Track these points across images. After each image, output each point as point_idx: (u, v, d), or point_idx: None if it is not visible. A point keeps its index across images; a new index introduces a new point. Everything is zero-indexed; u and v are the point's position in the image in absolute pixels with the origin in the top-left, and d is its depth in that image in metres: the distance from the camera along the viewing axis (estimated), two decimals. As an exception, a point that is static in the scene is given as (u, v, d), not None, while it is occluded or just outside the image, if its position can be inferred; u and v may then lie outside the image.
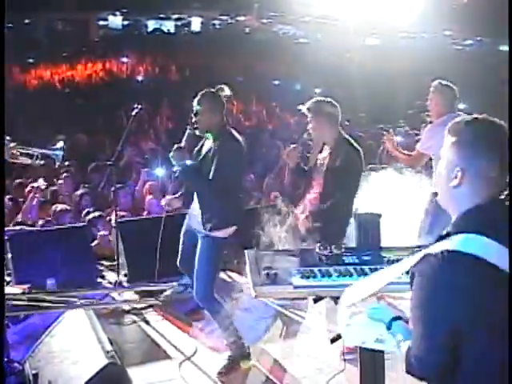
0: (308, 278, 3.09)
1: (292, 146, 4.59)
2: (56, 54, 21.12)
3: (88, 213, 6.93)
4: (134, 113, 5.58)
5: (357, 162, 4.25)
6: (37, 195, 6.90)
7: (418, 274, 1.86)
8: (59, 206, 6.98)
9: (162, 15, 29.16)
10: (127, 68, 20.90)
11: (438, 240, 1.88)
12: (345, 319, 2.28)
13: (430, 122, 5.24)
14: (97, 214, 6.83)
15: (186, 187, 4.53)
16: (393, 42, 22.77)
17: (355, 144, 4.34)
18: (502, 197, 1.91)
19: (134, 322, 5.12)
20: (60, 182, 8.06)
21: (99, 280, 5.89)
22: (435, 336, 1.82)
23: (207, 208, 4.18)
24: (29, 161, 5.19)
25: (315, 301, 3.30)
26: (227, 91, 4.33)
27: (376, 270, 2.64)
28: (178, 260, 4.48)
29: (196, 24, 29.51)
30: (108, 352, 3.60)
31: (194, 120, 4.21)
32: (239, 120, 12.84)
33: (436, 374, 1.86)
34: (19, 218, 6.71)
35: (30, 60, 20.34)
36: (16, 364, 3.99)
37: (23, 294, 5.14)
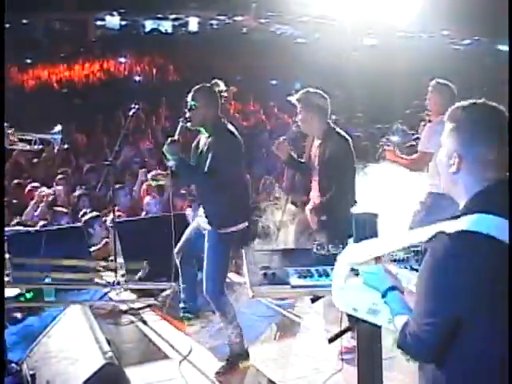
0: (305, 277, 3.09)
1: (281, 138, 4.55)
2: (54, 54, 21.09)
3: (85, 213, 6.91)
4: (131, 113, 5.56)
5: (347, 151, 4.23)
6: (42, 204, 6.80)
7: (430, 252, 1.82)
8: (57, 209, 6.94)
9: (159, 15, 29.16)
10: (125, 68, 20.86)
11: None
12: (340, 281, 2.22)
13: (429, 121, 5.24)
14: (94, 214, 6.81)
15: (181, 181, 4.55)
16: (391, 42, 22.75)
17: (343, 133, 4.31)
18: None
19: (132, 322, 5.11)
20: (58, 184, 7.99)
21: (96, 280, 5.88)
22: (439, 316, 1.78)
23: (206, 202, 4.25)
24: (27, 146, 5.13)
25: (313, 300, 3.30)
26: (222, 86, 4.33)
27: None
28: (177, 249, 4.55)
29: (193, 24, 29.53)
30: (106, 352, 3.59)
31: (187, 115, 4.19)
32: (237, 120, 12.81)
33: (430, 354, 1.83)
34: (17, 219, 6.68)
35: (28, 60, 20.29)
36: (14, 364, 3.99)
37: (20, 294, 5.14)
